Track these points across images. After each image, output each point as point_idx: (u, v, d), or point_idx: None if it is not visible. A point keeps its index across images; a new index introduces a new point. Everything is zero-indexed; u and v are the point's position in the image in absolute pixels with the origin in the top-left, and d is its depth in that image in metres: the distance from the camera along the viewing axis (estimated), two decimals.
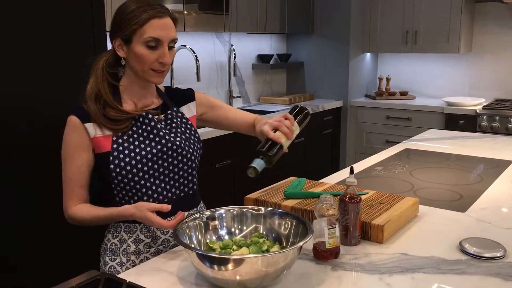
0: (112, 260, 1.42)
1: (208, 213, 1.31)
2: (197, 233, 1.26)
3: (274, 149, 1.39)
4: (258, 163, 1.36)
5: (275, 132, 1.43)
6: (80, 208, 1.38)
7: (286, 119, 1.47)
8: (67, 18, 2.14)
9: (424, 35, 4.24)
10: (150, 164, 1.38)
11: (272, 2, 3.93)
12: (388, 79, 4.62)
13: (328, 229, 1.24)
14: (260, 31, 3.87)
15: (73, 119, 1.37)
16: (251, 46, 4.28)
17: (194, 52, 3.36)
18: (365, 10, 4.48)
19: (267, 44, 4.48)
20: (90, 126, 1.36)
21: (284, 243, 1.25)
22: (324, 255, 1.26)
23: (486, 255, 1.27)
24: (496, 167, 2.16)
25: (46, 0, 2.06)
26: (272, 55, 4.35)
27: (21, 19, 1.99)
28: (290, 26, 4.18)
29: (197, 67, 3.38)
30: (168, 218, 1.39)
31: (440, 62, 4.56)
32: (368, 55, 4.71)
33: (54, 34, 2.10)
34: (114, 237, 1.43)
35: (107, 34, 2.30)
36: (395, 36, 4.38)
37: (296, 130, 1.50)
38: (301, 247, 1.12)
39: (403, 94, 4.53)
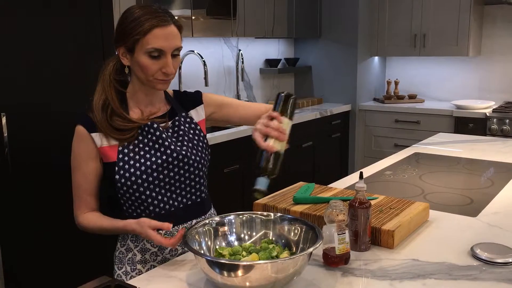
0: (119, 268, 1.42)
1: (217, 219, 1.31)
2: (206, 239, 1.25)
3: (271, 161, 1.27)
4: (261, 183, 1.25)
5: (266, 139, 1.28)
6: (88, 218, 1.39)
7: (272, 118, 1.29)
8: (77, 24, 2.16)
9: (432, 38, 4.22)
10: (155, 174, 1.36)
11: (279, 7, 3.93)
12: (396, 83, 4.60)
13: (338, 234, 1.23)
14: (267, 36, 3.88)
15: (80, 129, 1.36)
16: (258, 51, 4.29)
17: (202, 57, 3.37)
18: (372, 14, 4.47)
19: (274, 49, 4.48)
20: (96, 136, 1.35)
21: (294, 249, 1.24)
22: (334, 261, 1.26)
23: (499, 260, 1.26)
24: (507, 171, 2.14)
25: (55, 6, 2.07)
26: (279, 60, 4.35)
27: (30, 25, 2.00)
28: (297, 31, 4.18)
29: (205, 72, 3.39)
30: (176, 227, 1.39)
31: (449, 65, 4.54)
32: (376, 58, 4.70)
33: (64, 40, 2.12)
34: (121, 245, 1.43)
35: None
36: (403, 40, 4.36)
37: (288, 125, 1.32)
38: (311, 253, 1.11)
39: (412, 97, 4.51)
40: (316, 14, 4.41)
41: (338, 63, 4.46)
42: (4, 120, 1.92)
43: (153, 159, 1.36)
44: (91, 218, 1.39)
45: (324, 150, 4.16)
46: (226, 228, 1.30)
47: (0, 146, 1.94)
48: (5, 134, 1.93)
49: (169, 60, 1.32)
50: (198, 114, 1.52)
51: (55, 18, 2.08)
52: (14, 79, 1.97)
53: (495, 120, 3.82)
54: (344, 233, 1.24)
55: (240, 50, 4.00)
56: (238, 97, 4.05)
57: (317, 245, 1.12)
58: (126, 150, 1.36)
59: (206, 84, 3.44)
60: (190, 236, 1.20)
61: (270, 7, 3.83)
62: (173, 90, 1.54)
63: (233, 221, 1.31)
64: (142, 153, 1.37)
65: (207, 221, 1.28)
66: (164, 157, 1.37)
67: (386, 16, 4.41)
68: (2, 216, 1.97)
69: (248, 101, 4.15)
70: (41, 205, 2.10)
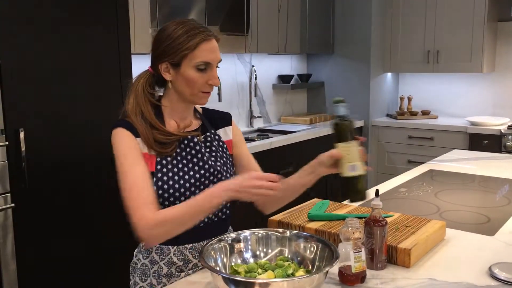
0: (143, 280, 1.41)
1: (233, 235, 1.31)
2: (222, 255, 1.25)
3: (357, 183, 1.30)
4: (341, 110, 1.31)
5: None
6: (159, 212, 1.28)
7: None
8: (94, 38, 2.19)
9: (446, 54, 4.22)
10: (192, 188, 1.37)
11: (292, 23, 3.96)
12: (409, 99, 4.59)
13: (354, 253, 1.23)
14: (280, 52, 3.90)
15: (124, 131, 1.34)
16: (271, 67, 4.31)
17: None
18: (385, 30, 4.48)
19: (287, 65, 4.50)
20: (140, 141, 1.35)
21: (310, 266, 1.24)
22: (350, 279, 1.25)
23: None
24: None
25: (73, 22, 2.11)
26: (292, 75, 4.37)
27: (47, 40, 2.04)
28: (310, 47, 4.20)
29: (219, 88, 3.41)
30: (201, 243, 1.39)
31: (462, 81, 4.52)
32: (389, 74, 4.70)
33: (81, 54, 2.15)
34: (144, 257, 1.42)
35: (132, 56, 2.36)
36: (416, 56, 4.36)
37: (354, 147, 1.32)
38: (327, 271, 1.11)
39: (425, 113, 4.49)
40: (328, 30, 4.44)
41: (351, 79, 4.47)
42: (22, 135, 1.95)
43: (191, 173, 1.38)
44: (164, 212, 1.28)
45: None
46: (241, 244, 1.30)
47: (18, 161, 1.96)
48: (23, 149, 1.96)
49: (215, 72, 1.38)
50: (226, 134, 1.53)
51: (72, 33, 2.12)
52: (31, 94, 2.00)
53: (510, 136, 3.79)
54: (360, 251, 1.24)
55: (253, 66, 4.03)
56: (251, 113, 4.07)
57: (334, 264, 1.11)
58: (164, 162, 1.36)
59: (220, 100, 3.46)
60: (206, 253, 1.20)
61: (283, 24, 3.86)
62: (201, 107, 1.56)
63: (248, 237, 1.31)
64: (180, 166, 1.38)
65: (222, 238, 1.28)
66: (202, 171, 1.39)
67: (399, 32, 4.42)
68: (18, 231, 1.99)
69: (260, 116, 4.18)
70: (58, 220, 2.12)
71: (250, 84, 4.04)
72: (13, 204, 1.96)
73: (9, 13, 1.92)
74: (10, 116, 1.94)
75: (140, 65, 3.00)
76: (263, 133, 3.93)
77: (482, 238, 1.57)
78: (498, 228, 1.64)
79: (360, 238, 1.25)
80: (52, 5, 2.04)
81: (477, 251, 1.46)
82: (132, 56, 2.39)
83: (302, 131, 3.82)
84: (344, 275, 1.25)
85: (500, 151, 3.77)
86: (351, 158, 1.29)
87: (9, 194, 1.96)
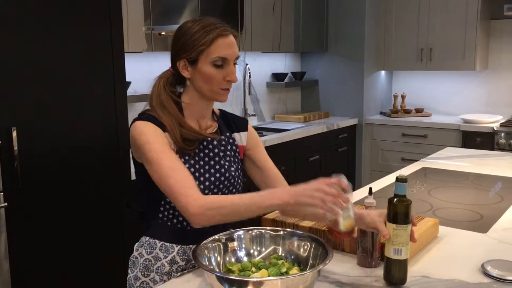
0: (145, 275, 1.40)
1: (227, 234, 1.31)
2: (215, 254, 1.25)
3: (397, 267, 1.22)
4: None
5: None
6: (209, 196, 1.25)
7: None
8: (86, 38, 2.18)
9: (439, 52, 4.23)
10: (206, 191, 1.36)
11: (286, 21, 3.96)
12: (403, 97, 4.60)
13: (342, 211, 1.16)
14: (274, 50, 3.90)
15: (151, 123, 1.32)
16: (265, 65, 4.31)
17: None
18: (379, 28, 4.49)
19: (281, 63, 4.50)
20: (167, 136, 1.33)
21: (303, 265, 1.24)
22: (338, 235, 1.28)
23: (510, 278, 1.25)
24: None
25: (65, 21, 2.10)
26: (286, 74, 4.37)
27: (41, 39, 2.03)
28: (304, 45, 4.21)
29: None
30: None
31: (456, 79, 4.54)
32: (382, 72, 4.71)
33: (75, 55, 2.14)
34: (148, 253, 1.40)
35: (126, 54, 2.36)
36: (409, 54, 4.38)
37: (406, 232, 1.21)
38: (320, 269, 1.11)
39: (419, 111, 4.51)
40: (322, 28, 4.44)
41: (344, 77, 4.48)
42: (14, 134, 1.94)
43: (207, 175, 1.37)
44: (218, 196, 1.27)
45: (330, 163, 4.15)
46: (235, 243, 1.30)
47: (10, 160, 1.95)
48: (15, 148, 1.95)
49: (232, 68, 1.36)
50: (240, 139, 1.51)
51: (65, 31, 2.10)
52: (25, 93, 1.99)
53: (502, 134, 3.81)
54: (348, 208, 1.17)
55: (247, 64, 4.03)
56: (245, 111, 4.06)
57: (327, 262, 1.11)
58: (183, 160, 1.35)
59: None
60: (200, 252, 1.20)
61: (277, 22, 3.86)
62: (219, 109, 1.55)
63: (242, 236, 1.31)
64: (197, 166, 1.37)
65: (216, 237, 1.28)
66: (217, 175, 1.38)
67: (392, 30, 4.43)
68: (11, 231, 1.98)
69: (254, 115, 4.18)
70: (51, 219, 2.11)
71: (244, 82, 4.04)
72: (6, 204, 1.95)
73: None
74: (2, 115, 1.93)
75: (134, 63, 3.01)
76: (257, 131, 3.92)
77: (475, 235, 1.57)
78: (491, 226, 1.65)
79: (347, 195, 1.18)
80: (43, 3, 2.02)
81: (470, 249, 1.47)
82: (126, 55, 2.38)
83: (296, 129, 3.82)
84: (333, 232, 1.29)
85: (493, 149, 3.79)
86: (399, 242, 1.20)
87: (2, 193, 1.94)
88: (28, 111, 2.01)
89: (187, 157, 1.36)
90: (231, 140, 1.48)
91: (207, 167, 1.38)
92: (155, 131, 1.32)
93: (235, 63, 1.38)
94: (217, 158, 1.40)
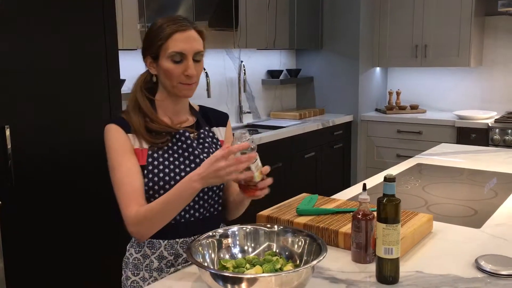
0: (135, 275, 1.41)
1: (221, 231, 1.31)
2: (210, 251, 1.25)
3: (388, 266, 1.23)
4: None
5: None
6: (143, 208, 1.31)
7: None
8: (80, 36, 2.17)
9: (433, 49, 4.24)
10: None
11: (281, 18, 3.96)
12: (398, 93, 4.61)
13: (252, 163, 1.25)
14: (269, 47, 3.90)
15: (115, 127, 1.37)
16: (260, 62, 4.31)
17: (204, 69, 3.38)
18: (374, 25, 4.49)
19: (276, 60, 4.50)
20: (131, 136, 1.38)
21: (298, 261, 1.24)
22: (255, 189, 1.31)
23: (503, 272, 1.25)
24: (510, 181, 2.14)
25: (58, 19, 2.09)
26: (281, 71, 4.37)
27: (34, 37, 2.02)
28: (299, 42, 4.20)
29: (208, 84, 3.40)
30: (188, 238, 1.40)
31: (450, 75, 4.55)
32: (377, 69, 4.71)
33: (68, 53, 2.13)
34: (137, 252, 1.42)
35: (119, 52, 2.35)
36: (404, 50, 4.38)
37: (396, 231, 1.22)
38: (314, 265, 1.11)
39: (414, 108, 4.51)
40: (317, 25, 4.44)
41: (339, 74, 4.48)
42: (8, 132, 1.93)
43: (182, 166, 1.39)
44: (146, 207, 1.31)
45: (326, 160, 4.16)
46: (229, 240, 1.30)
47: (4, 158, 1.94)
48: (9, 146, 1.94)
49: (190, 63, 1.36)
50: (220, 134, 1.55)
51: (58, 29, 2.09)
52: (18, 92, 1.98)
53: (497, 130, 3.82)
54: (256, 160, 1.27)
55: (242, 61, 4.02)
56: (240, 108, 4.06)
57: (321, 258, 1.11)
58: (156, 155, 1.38)
59: (209, 96, 3.45)
60: (194, 249, 1.20)
61: (271, 19, 3.85)
62: (199, 105, 1.57)
63: (236, 233, 1.31)
64: (171, 159, 1.39)
65: (210, 233, 1.28)
66: (192, 165, 1.40)
67: (387, 27, 4.44)
68: (4, 229, 1.97)
69: (250, 112, 4.17)
70: (44, 218, 2.10)
71: (239, 80, 4.03)
72: (0, 202, 1.94)
73: None
74: None
75: (127, 61, 3.00)
76: (253, 128, 3.93)
77: (469, 230, 1.58)
78: (485, 221, 1.66)
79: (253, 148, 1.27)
80: (36, 1, 2.01)
81: (464, 244, 1.47)
82: (120, 52, 2.37)
83: (292, 126, 3.82)
84: (246, 186, 1.32)
85: (487, 145, 3.81)
86: (389, 241, 1.21)
87: None
88: (21, 110, 2.00)
89: (160, 152, 1.39)
90: (210, 134, 1.51)
91: (181, 159, 1.40)
92: (118, 138, 1.36)
93: (197, 60, 1.38)
94: (191, 150, 1.41)
